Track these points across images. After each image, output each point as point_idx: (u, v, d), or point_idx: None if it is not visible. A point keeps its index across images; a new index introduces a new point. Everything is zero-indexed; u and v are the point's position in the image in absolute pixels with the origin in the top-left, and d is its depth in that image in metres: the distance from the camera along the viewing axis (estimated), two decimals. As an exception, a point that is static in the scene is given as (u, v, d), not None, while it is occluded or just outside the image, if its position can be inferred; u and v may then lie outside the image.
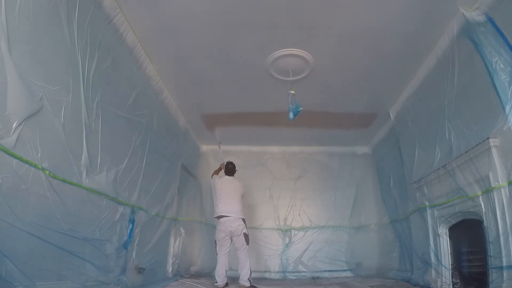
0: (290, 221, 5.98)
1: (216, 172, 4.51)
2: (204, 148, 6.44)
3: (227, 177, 4.27)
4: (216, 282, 3.82)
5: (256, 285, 3.76)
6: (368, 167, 6.18)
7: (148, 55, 3.57)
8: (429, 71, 3.59)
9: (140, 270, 3.61)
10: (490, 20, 2.58)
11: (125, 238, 3.22)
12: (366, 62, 3.70)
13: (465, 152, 2.91)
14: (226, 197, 4.03)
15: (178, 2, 2.88)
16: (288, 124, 4.98)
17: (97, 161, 2.78)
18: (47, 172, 2.12)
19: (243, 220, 3.92)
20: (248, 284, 3.68)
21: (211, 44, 3.44)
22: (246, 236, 3.85)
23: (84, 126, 2.57)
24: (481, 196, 2.73)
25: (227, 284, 3.88)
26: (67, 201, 2.33)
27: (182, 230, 5.30)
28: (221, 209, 3.97)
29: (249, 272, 3.73)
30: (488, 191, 2.62)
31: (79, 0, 2.43)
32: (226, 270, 3.85)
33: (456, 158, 3.04)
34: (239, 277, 3.79)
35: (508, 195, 2.42)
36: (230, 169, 4.33)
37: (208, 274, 5.35)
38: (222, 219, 3.91)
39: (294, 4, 2.88)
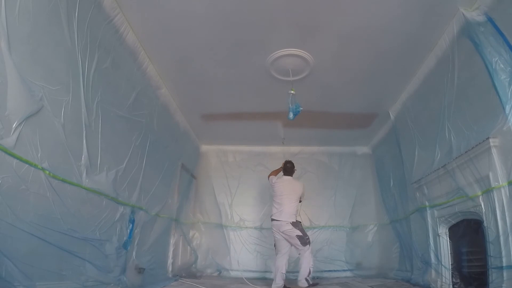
0: (290, 221, 5.97)
1: (275, 172, 4.37)
2: (204, 148, 6.45)
3: (285, 177, 4.18)
4: (276, 283, 3.79)
5: (317, 283, 3.71)
6: (368, 167, 6.18)
7: (148, 55, 3.57)
8: (429, 71, 3.59)
9: (140, 270, 3.61)
10: (490, 20, 2.58)
11: (125, 238, 3.22)
12: (366, 62, 3.70)
13: (465, 152, 2.91)
14: (280, 199, 3.97)
15: (178, 2, 2.87)
16: (288, 124, 4.99)
17: (97, 161, 2.78)
18: (47, 172, 2.12)
19: (294, 223, 3.81)
20: (305, 285, 3.62)
21: (211, 44, 3.44)
22: (300, 238, 3.74)
23: (84, 126, 2.57)
24: (481, 196, 2.72)
25: (284, 286, 3.80)
26: (67, 201, 2.33)
27: (182, 230, 5.29)
28: (273, 212, 3.98)
29: (308, 271, 3.66)
30: (488, 191, 2.61)
31: (79, 0, 2.43)
32: (282, 273, 3.79)
33: (456, 158, 3.04)
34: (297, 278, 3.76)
35: (508, 195, 2.42)
36: (288, 168, 4.21)
37: (207, 274, 5.36)
38: (273, 223, 3.93)
39: (294, 4, 2.88)
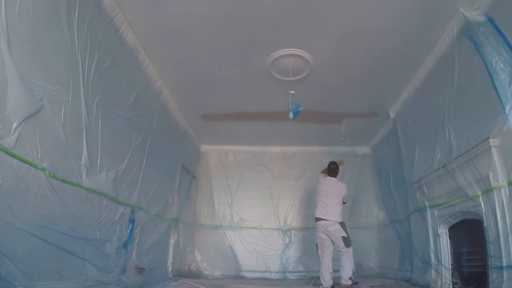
0: (290, 221, 5.98)
1: (325, 171, 4.33)
2: (204, 148, 6.45)
3: (329, 178, 4.16)
4: (322, 285, 3.79)
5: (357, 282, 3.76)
6: (368, 167, 6.17)
7: (148, 55, 3.57)
8: (429, 71, 3.59)
9: (140, 270, 3.61)
10: (490, 20, 2.58)
11: (125, 238, 3.22)
12: (366, 62, 3.69)
13: (465, 152, 2.90)
14: (325, 198, 3.97)
15: (178, 2, 2.87)
16: (288, 124, 4.98)
17: (97, 161, 2.78)
18: (47, 172, 2.12)
19: (341, 223, 3.85)
20: (349, 283, 3.68)
21: (211, 44, 3.44)
22: (345, 239, 3.78)
23: (84, 126, 2.57)
24: (481, 196, 2.72)
25: (332, 287, 3.80)
26: (67, 201, 2.33)
27: (182, 230, 5.29)
28: (318, 211, 3.96)
29: (351, 272, 3.73)
30: (488, 191, 2.61)
31: (79, 0, 2.43)
32: (330, 273, 3.79)
33: (456, 158, 3.04)
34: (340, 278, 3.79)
35: (508, 195, 2.42)
36: (331, 169, 4.19)
37: (206, 275, 5.35)
38: (318, 222, 3.91)
39: (294, 4, 2.88)
